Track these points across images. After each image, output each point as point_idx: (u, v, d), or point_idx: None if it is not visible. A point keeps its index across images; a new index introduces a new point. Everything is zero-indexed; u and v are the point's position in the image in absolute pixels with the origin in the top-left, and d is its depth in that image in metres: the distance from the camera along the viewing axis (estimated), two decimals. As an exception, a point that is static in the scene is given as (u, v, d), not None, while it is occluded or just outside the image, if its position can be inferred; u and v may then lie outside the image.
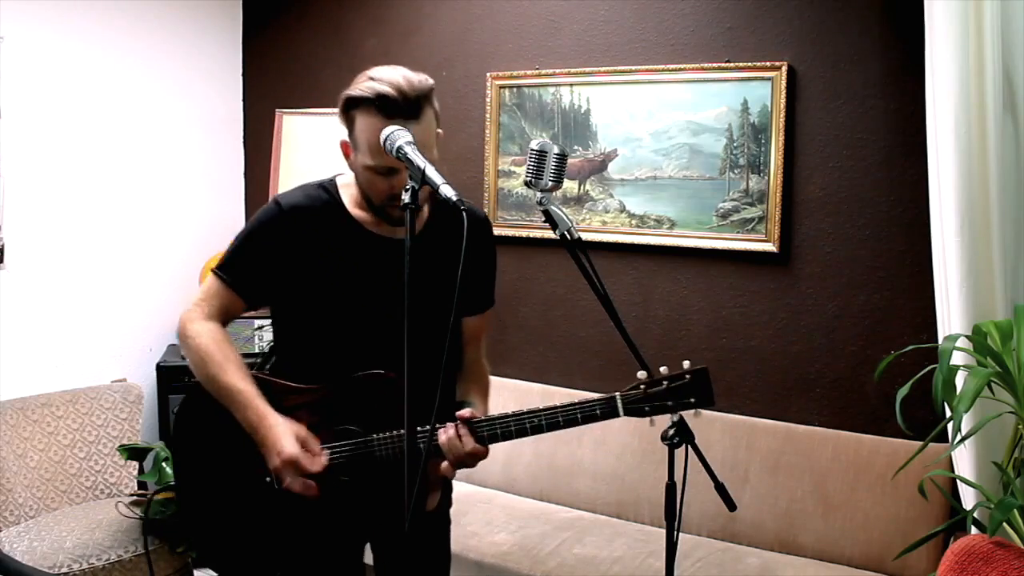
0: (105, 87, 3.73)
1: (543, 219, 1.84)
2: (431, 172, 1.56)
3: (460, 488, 3.35)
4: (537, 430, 1.83)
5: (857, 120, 2.92)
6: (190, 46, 4.04)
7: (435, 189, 1.55)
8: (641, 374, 1.83)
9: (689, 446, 1.79)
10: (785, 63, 2.98)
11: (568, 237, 1.81)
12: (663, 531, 1.82)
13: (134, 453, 3.22)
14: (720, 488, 1.85)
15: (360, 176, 1.83)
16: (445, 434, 1.80)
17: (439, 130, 1.83)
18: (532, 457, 3.35)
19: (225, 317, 1.91)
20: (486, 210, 3.59)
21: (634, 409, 1.82)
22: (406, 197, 1.54)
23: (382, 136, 1.65)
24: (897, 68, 2.84)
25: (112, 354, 3.77)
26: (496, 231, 3.53)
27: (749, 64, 3.05)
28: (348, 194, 1.90)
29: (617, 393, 1.82)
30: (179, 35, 3.99)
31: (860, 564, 2.76)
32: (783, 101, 2.98)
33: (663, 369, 1.83)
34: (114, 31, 3.74)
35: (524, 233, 3.54)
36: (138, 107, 3.85)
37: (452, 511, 3.07)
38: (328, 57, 4.01)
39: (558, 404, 1.83)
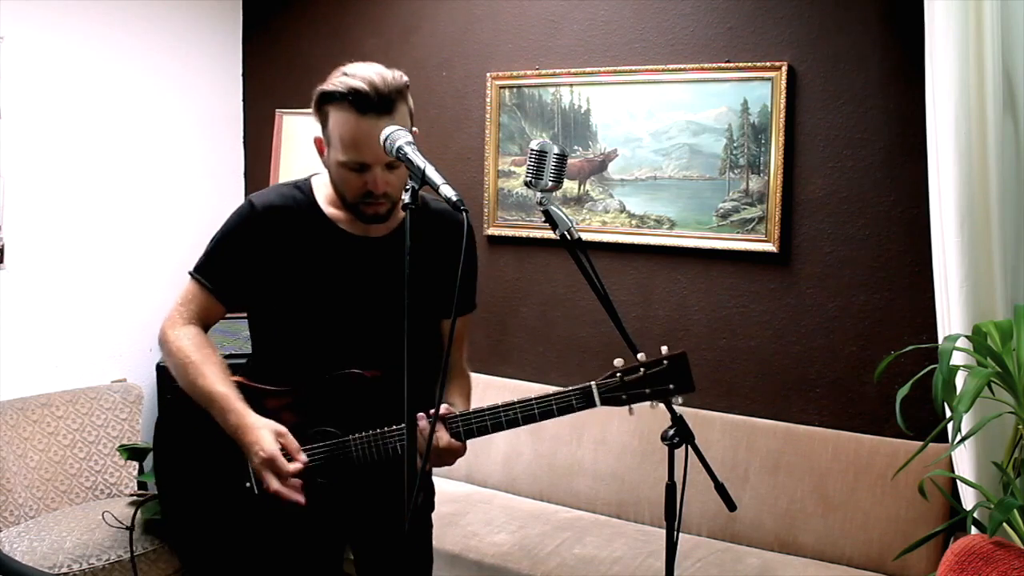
0: (105, 87, 3.73)
1: (543, 219, 1.83)
2: (431, 172, 1.56)
3: (460, 488, 3.36)
4: (513, 424, 1.81)
5: (857, 120, 2.92)
6: (190, 46, 4.04)
7: (435, 189, 1.54)
8: (618, 361, 1.79)
9: (689, 446, 1.78)
10: (785, 63, 2.98)
11: (568, 237, 1.81)
12: (663, 531, 1.82)
13: (134, 453, 3.22)
14: (720, 488, 1.84)
15: (333, 172, 1.82)
16: (418, 428, 1.78)
17: (414, 128, 1.82)
18: (532, 457, 3.35)
19: (205, 321, 1.91)
20: (486, 211, 3.59)
21: (611, 398, 1.78)
22: (406, 197, 1.53)
23: (382, 136, 1.64)
24: (897, 68, 2.84)
25: (112, 354, 3.77)
26: (496, 231, 3.59)
27: (749, 64, 3.05)
28: (323, 194, 1.89)
29: (593, 382, 1.79)
30: (179, 35, 3.99)
31: (860, 564, 2.76)
32: (783, 101, 2.98)
33: (640, 356, 1.79)
34: (114, 31, 3.74)
35: (524, 233, 3.54)
36: (138, 107, 3.85)
37: (452, 511, 3.09)
38: (328, 57, 3.97)
39: (533, 396, 1.81)
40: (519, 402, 1.81)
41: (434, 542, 2.94)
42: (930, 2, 2.40)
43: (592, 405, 1.79)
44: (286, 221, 1.85)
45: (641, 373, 1.78)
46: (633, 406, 1.79)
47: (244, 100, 4.28)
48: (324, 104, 1.76)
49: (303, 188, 1.91)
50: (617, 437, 3.20)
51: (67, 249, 3.62)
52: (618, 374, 1.79)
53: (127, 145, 3.82)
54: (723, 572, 2.71)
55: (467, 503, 3.19)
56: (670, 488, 1.76)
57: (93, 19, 3.67)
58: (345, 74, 1.74)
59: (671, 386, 1.77)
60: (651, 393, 1.78)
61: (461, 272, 1.49)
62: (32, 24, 3.46)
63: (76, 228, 3.65)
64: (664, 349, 1.79)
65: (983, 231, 2.34)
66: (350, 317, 1.87)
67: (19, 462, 3.18)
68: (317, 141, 1.83)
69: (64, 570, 2.81)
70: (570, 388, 1.80)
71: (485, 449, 3.41)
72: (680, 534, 1.86)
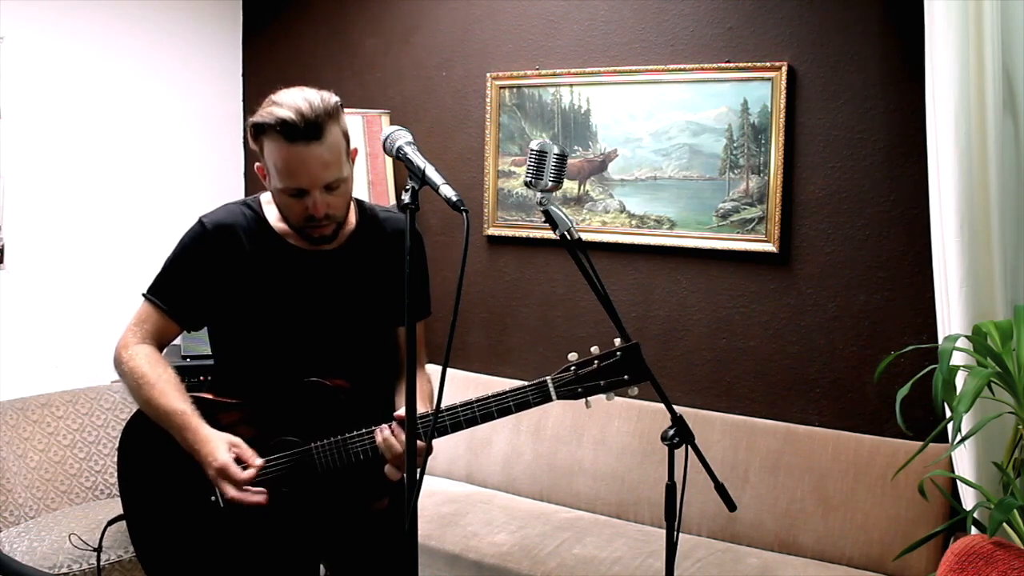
0: (105, 87, 3.73)
1: (543, 219, 1.84)
2: (431, 172, 1.57)
3: (460, 488, 3.36)
4: (472, 422, 1.82)
5: (857, 120, 2.92)
6: (190, 46, 4.04)
7: (435, 189, 1.56)
8: (572, 355, 1.82)
9: (689, 446, 1.79)
10: (785, 63, 2.98)
11: (568, 237, 1.81)
12: (663, 531, 1.82)
13: (134, 453, 3.22)
14: (720, 488, 1.85)
15: (276, 199, 1.85)
16: (380, 434, 1.80)
17: (353, 147, 1.85)
18: (532, 457, 3.35)
19: (160, 341, 1.92)
20: (486, 211, 3.59)
21: (567, 392, 1.81)
22: (406, 197, 1.54)
23: (383, 136, 1.66)
24: (897, 68, 2.84)
25: (112, 354, 3.76)
26: (496, 231, 3.59)
27: (749, 64, 3.05)
28: (272, 211, 1.91)
29: (548, 377, 1.81)
30: (179, 35, 3.99)
31: (860, 564, 2.76)
32: (783, 101, 2.98)
33: (594, 349, 1.82)
34: (114, 31, 3.75)
35: (524, 233, 3.54)
36: (138, 107, 3.85)
37: (452, 511, 3.09)
38: (328, 57, 4.00)
39: (491, 393, 1.82)
40: (477, 400, 1.82)
41: (434, 542, 2.95)
42: (930, 2, 2.40)
43: (548, 399, 1.81)
44: (237, 239, 1.87)
45: (595, 366, 1.80)
46: (590, 399, 1.81)
47: (244, 100, 4.28)
48: (258, 135, 1.78)
49: (252, 206, 1.93)
50: (617, 437, 3.20)
51: (67, 249, 3.62)
52: (572, 367, 1.81)
53: (127, 145, 3.82)
54: (723, 572, 2.70)
55: (467, 503, 3.19)
56: (670, 488, 1.77)
57: (93, 19, 3.67)
58: (274, 103, 1.76)
59: (625, 376, 1.79)
60: (606, 385, 1.80)
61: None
62: (32, 24, 3.46)
63: (76, 228, 3.65)
64: (617, 341, 1.81)
65: (983, 231, 2.34)
66: (306, 330, 1.88)
67: (19, 462, 3.18)
68: (258, 169, 1.85)
69: (64, 570, 2.80)
70: (527, 384, 1.82)
71: (485, 449, 3.41)
72: (680, 534, 1.86)
